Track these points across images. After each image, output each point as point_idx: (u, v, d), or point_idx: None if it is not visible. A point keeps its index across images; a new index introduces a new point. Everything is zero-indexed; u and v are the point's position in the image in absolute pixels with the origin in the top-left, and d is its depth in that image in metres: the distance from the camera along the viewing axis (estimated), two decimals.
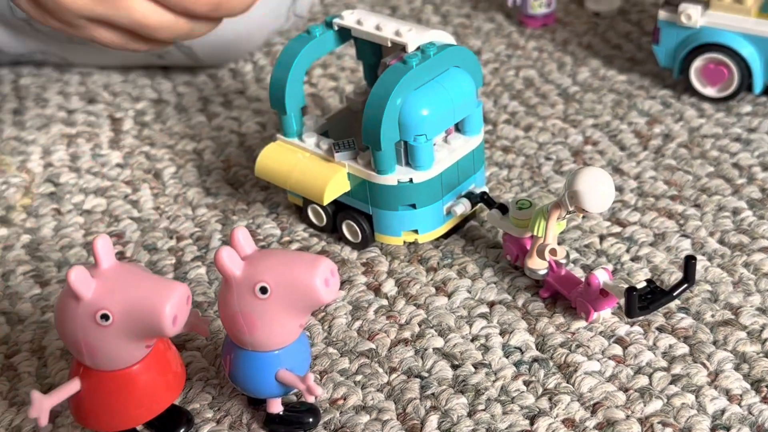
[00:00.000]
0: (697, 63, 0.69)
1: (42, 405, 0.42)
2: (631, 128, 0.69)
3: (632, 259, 0.56)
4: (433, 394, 0.49)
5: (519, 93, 0.74)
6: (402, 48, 0.56)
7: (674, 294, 0.48)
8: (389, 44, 0.56)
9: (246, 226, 0.62)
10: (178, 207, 0.65)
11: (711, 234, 0.58)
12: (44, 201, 0.66)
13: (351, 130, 0.64)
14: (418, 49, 0.55)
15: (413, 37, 0.55)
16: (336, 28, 0.58)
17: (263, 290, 0.43)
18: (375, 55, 0.62)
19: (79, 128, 0.74)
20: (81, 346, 0.42)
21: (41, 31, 0.75)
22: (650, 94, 0.72)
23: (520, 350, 0.51)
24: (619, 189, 0.62)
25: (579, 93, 0.73)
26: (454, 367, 0.50)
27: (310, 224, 0.61)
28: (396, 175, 0.55)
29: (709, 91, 0.70)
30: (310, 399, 0.45)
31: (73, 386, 0.44)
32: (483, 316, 0.53)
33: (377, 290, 0.56)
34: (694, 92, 0.71)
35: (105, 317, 0.41)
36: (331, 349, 0.52)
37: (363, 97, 0.63)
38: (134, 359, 0.43)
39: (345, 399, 0.49)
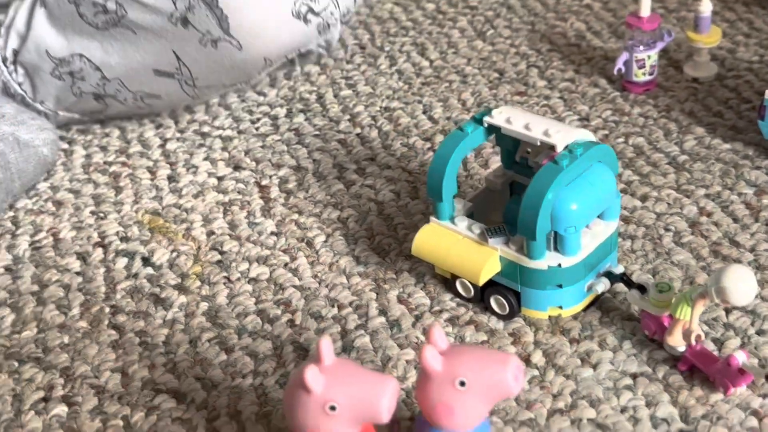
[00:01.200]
0: None
1: None
2: (741, 199, 0.75)
3: (758, 333, 0.63)
4: None
5: (631, 161, 0.81)
6: (550, 147, 0.63)
7: None
8: (539, 143, 0.63)
9: (397, 295, 0.70)
10: (334, 275, 0.72)
11: None
12: (213, 269, 0.74)
13: (491, 208, 0.71)
14: (566, 148, 0.62)
15: (561, 138, 0.62)
16: (486, 125, 0.65)
17: (462, 384, 0.50)
18: (514, 143, 0.69)
19: (231, 195, 0.82)
20: (308, 430, 0.50)
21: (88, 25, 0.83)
22: (755, 164, 0.78)
23: (667, 422, 0.58)
24: (738, 262, 0.69)
25: (688, 162, 0.80)
26: None
27: (457, 294, 0.69)
28: (546, 261, 0.62)
29: None
30: None
31: None
32: (628, 387, 0.60)
33: (527, 361, 0.63)
34: None
35: (333, 408, 0.49)
36: (495, 418, 0.59)
37: (501, 179, 0.70)
38: None
39: None
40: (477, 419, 0.52)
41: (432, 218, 0.68)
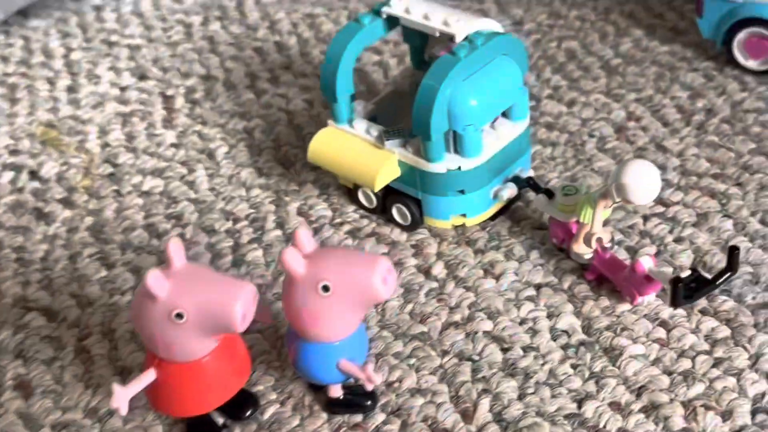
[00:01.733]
0: (740, 36, 0.69)
1: (122, 396, 0.46)
2: (674, 103, 0.69)
3: (675, 241, 0.58)
4: (484, 377, 0.51)
5: (561, 66, 0.75)
6: (450, 38, 0.57)
7: (717, 283, 0.49)
8: (437, 34, 0.57)
9: (298, 207, 0.65)
10: (233, 188, 0.67)
11: (753, 214, 0.59)
12: (104, 182, 0.69)
13: (398, 112, 0.65)
14: (466, 39, 0.56)
15: (461, 27, 0.56)
16: (384, 16, 0.59)
17: (325, 288, 0.45)
18: (421, 38, 0.63)
19: (133, 106, 0.77)
20: (157, 341, 0.45)
21: None
22: (693, 66, 0.73)
23: (567, 334, 0.53)
24: (663, 167, 0.63)
25: (622, 65, 0.74)
26: (504, 350, 0.53)
27: (360, 206, 0.64)
28: (445, 163, 0.57)
29: (752, 64, 0.70)
30: (370, 387, 0.48)
31: (149, 377, 0.47)
32: (530, 299, 0.56)
33: (427, 273, 0.58)
34: (737, 65, 0.71)
35: (179, 316, 0.44)
36: (385, 332, 0.55)
37: (409, 79, 0.65)
38: (205, 351, 0.47)
39: (400, 382, 0.52)
40: (346, 327, 0.47)
41: (329, 121, 0.62)
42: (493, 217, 0.61)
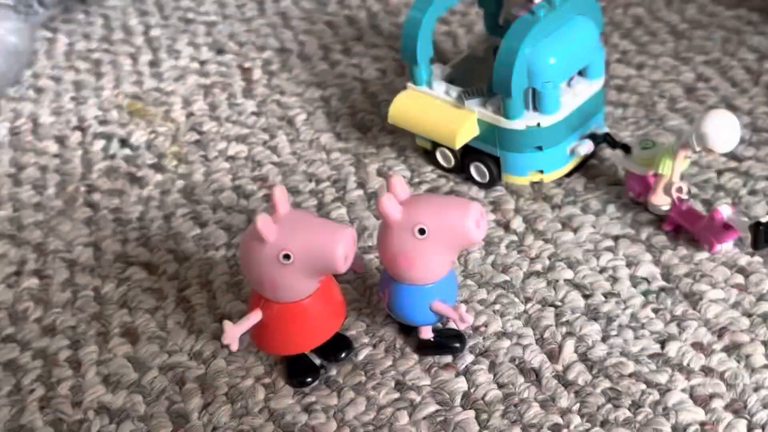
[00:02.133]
0: None
1: (232, 333, 0.49)
2: (741, 64, 0.71)
3: (750, 193, 0.60)
4: (567, 321, 0.54)
5: (629, 31, 0.76)
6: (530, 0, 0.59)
7: None
8: None
9: (377, 168, 0.67)
10: (314, 152, 0.70)
11: None
12: (191, 148, 0.72)
13: (474, 76, 0.68)
14: None
15: None
16: None
17: (421, 231, 0.48)
18: (497, 4, 0.65)
19: (213, 78, 0.80)
20: (264, 282, 0.48)
21: None
22: (759, 30, 0.74)
23: (647, 281, 0.55)
24: None
25: (688, 30, 0.75)
26: (586, 296, 0.55)
27: (438, 166, 0.66)
28: (524, 120, 0.59)
29: None
30: (462, 326, 0.50)
31: (256, 316, 0.50)
32: (609, 249, 0.58)
33: (506, 227, 0.61)
34: None
35: (287, 257, 0.47)
36: (469, 281, 0.57)
37: (485, 44, 0.67)
38: (309, 292, 0.49)
39: (486, 326, 0.54)
40: (440, 270, 0.50)
41: (409, 84, 0.65)
42: (569, 174, 0.63)
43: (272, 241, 0.47)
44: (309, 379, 0.53)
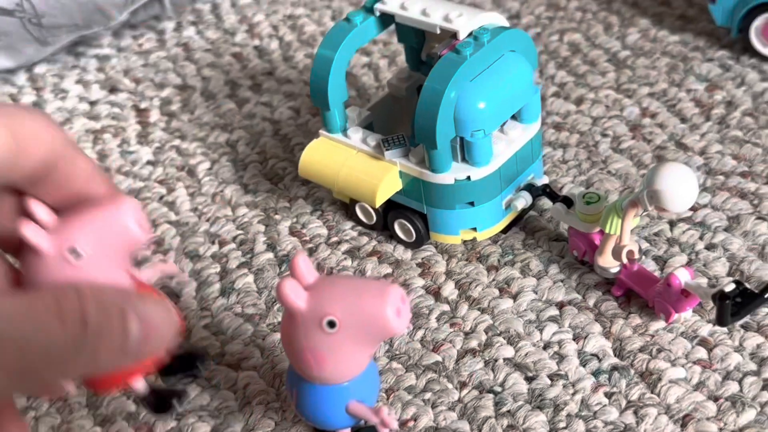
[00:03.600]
0: (758, 22, 0.65)
1: None
2: (690, 96, 0.64)
3: (707, 248, 0.53)
4: (509, 411, 0.46)
5: (566, 61, 0.70)
6: (452, 35, 0.52)
7: (766, 297, 0.45)
8: (438, 31, 0.52)
9: (290, 225, 0.59)
10: (217, 207, 0.61)
11: None
12: None
13: (395, 118, 0.60)
14: (470, 35, 0.51)
15: (464, 22, 0.51)
16: (377, 14, 0.54)
17: (331, 324, 0.40)
18: (417, 37, 0.57)
19: (104, 122, 0.71)
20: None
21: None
22: (707, 56, 0.68)
23: (598, 357, 0.48)
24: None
25: (630, 58, 0.69)
26: (529, 379, 0.47)
27: (358, 222, 0.58)
28: (452, 173, 0.52)
29: None
30: (385, 431, 0.42)
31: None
32: (553, 319, 0.50)
33: (437, 294, 0.53)
34: (755, 53, 0.66)
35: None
36: (395, 364, 0.49)
37: (406, 83, 0.59)
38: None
39: (416, 420, 0.46)
40: (355, 366, 0.41)
41: (321, 131, 0.57)
42: (505, 230, 0.56)
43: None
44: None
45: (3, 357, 0.29)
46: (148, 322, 0.32)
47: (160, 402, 0.42)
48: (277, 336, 0.52)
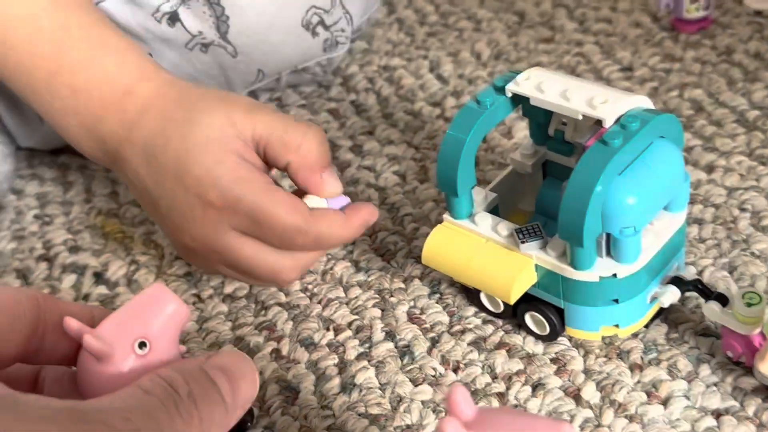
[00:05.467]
0: None
1: None
2: None
3: None
4: None
5: (690, 120, 0.65)
6: (596, 121, 0.48)
7: None
8: (580, 118, 0.48)
9: (407, 310, 0.56)
10: (329, 287, 0.58)
11: None
12: (180, 284, 0.60)
13: (519, 195, 0.57)
14: (617, 122, 0.47)
15: (610, 110, 0.47)
16: (509, 95, 0.50)
17: None
18: (546, 114, 0.54)
19: None
20: None
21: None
22: None
23: None
24: None
25: (761, 119, 0.64)
26: None
27: (483, 308, 0.55)
28: (597, 271, 0.48)
29: None
30: None
31: None
32: (710, 431, 0.47)
33: (577, 397, 0.49)
34: None
35: None
36: None
37: (532, 159, 0.56)
38: None
39: None
40: None
41: (445, 216, 0.53)
42: (647, 323, 0.52)
43: None
44: None
45: None
46: (226, 368, 0.36)
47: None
48: None
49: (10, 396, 0.31)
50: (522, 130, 0.67)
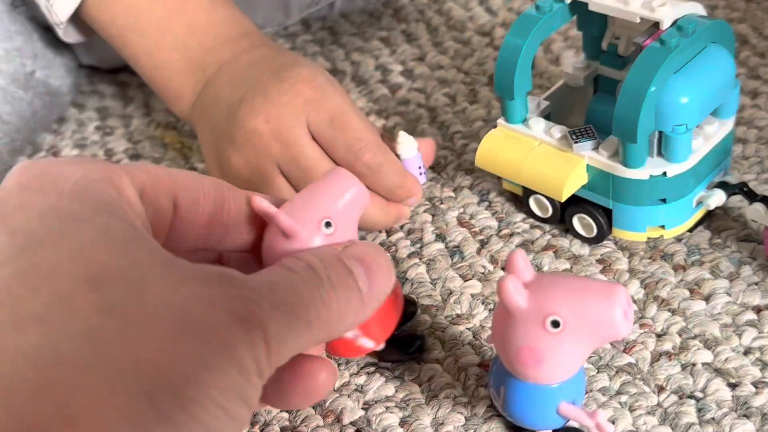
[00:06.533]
0: None
1: None
2: None
3: None
4: (713, 418, 0.44)
5: (735, 52, 0.67)
6: (652, 24, 0.50)
7: None
8: (638, 20, 0.50)
9: (457, 216, 0.58)
10: None
11: None
12: None
13: (570, 109, 0.59)
14: (673, 25, 0.49)
15: (667, 11, 0.49)
16: (568, 1, 0.52)
17: (555, 324, 0.39)
18: (600, 26, 0.56)
19: None
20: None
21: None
22: None
23: None
24: None
25: None
26: (732, 386, 0.46)
27: (530, 214, 0.57)
28: (647, 169, 0.50)
29: None
30: None
31: None
32: (751, 324, 0.48)
33: None
34: None
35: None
36: (586, 364, 0.48)
37: (584, 72, 0.58)
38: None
39: (614, 422, 0.45)
40: (573, 368, 0.40)
41: (500, 121, 0.55)
42: (690, 228, 0.54)
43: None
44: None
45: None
46: (362, 258, 0.36)
47: (406, 345, 0.48)
48: (457, 329, 0.51)
49: (168, 255, 0.32)
50: (569, 59, 0.69)
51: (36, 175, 0.32)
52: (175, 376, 0.28)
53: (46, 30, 0.70)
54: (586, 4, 0.51)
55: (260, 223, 0.39)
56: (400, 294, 0.45)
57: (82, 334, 0.28)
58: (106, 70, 0.76)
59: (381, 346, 0.46)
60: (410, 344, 0.49)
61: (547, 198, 0.55)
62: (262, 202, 0.38)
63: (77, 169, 0.33)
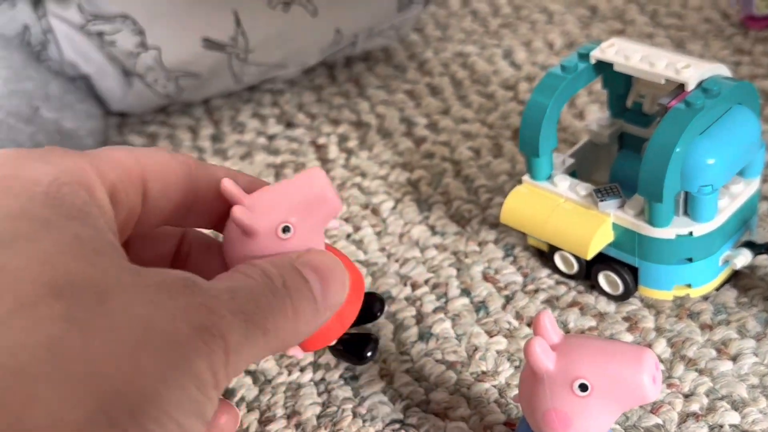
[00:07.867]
0: None
1: None
2: None
3: None
4: None
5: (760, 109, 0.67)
6: (678, 86, 0.50)
7: None
8: (663, 82, 0.50)
9: (482, 270, 0.58)
10: (405, 248, 0.61)
11: None
12: None
13: (597, 165, 0.59)
14: (698, 86, 0.49)
15: (692, 73, 0.49)
16: (593, 61, 0.53)
17: (583, 387, 0.39)
18: (625, 86, 0.56)
19: (284, 157, 0.71)
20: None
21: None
22: None
23: None
24: None
25: None
26: None
27: (556, 270, 0.57)
28: (673, 228, 0.50)
29: None
30: None
31: None
32: None
33: None
34: None
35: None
36: (613, 425, 0.48)
37: (609, 130, 0.58)
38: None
39: None
40: (599, 430, 0.40)
41: (525, 178, 0.56)
42: (717, 287, 0.54)
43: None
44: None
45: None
46: (317, 267, 0.36)
47: (357, 347, 0.43)
48: (483, 386, 0.51)
49: (133, 266, 0.32)
50: (593, 113, 0.70)
51: (7, 176, 0.32)
52: (133, 392, 0.28)
53: (69, 80, 0.71)
54: (612, 65, 0.52)
55: (228, 202, 0.38)
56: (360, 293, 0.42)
57: (42, 344, 0.28)
58: (136, 118, 0.77)
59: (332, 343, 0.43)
60: (362, 347, 0.44)
61: (573, 255, 0.55)
62: (229, 186, 0.37)
63: (50, 170, 0.33)
